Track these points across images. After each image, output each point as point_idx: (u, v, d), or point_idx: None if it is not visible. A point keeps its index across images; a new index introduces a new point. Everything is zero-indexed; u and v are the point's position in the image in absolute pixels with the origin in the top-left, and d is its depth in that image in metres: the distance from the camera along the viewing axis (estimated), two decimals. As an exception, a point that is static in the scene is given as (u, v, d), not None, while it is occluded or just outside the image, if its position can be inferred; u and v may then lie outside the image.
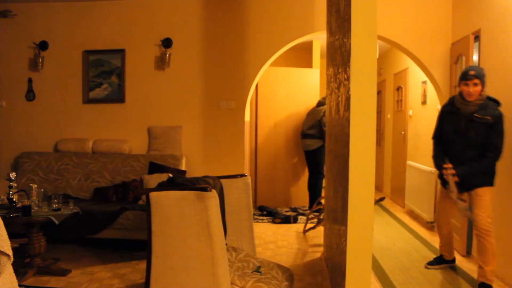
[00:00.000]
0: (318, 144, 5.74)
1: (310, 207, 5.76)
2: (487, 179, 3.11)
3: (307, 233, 4.81)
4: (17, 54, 5.14)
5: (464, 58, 4.01)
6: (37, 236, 3.31)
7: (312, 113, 5.94)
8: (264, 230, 4.96)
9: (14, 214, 3.14)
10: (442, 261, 3.61)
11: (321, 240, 4.40)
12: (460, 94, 3.19)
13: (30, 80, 5.12)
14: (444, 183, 3.35)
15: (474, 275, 3.32)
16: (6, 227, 1.35)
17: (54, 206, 3.33)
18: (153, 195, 2.45)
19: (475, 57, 3.90)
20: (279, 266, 2.90)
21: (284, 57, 6.13)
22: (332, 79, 3.22)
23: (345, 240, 2.23)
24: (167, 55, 4.85)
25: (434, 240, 4.48)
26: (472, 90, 3.08)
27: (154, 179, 4.17)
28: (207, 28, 4.91)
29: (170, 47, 4.88)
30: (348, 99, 2.27)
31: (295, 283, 3.09)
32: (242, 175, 3.39)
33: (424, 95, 5.48)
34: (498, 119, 3.03)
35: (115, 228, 3.88)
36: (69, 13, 5.05)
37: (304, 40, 5.07)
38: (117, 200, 4.37)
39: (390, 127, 7.34)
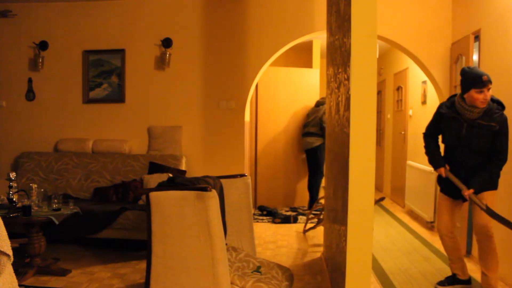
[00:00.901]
0: (319, 142, 5.76)
1: (310, 207, 5.76)
2: (492, 183, 2.95)
3: (307, 233, 4.81)
4: (17, 54, 5.14)
5: (464, 58, 4.01)
6: (37, 236, 3.31)
7: (312, 113, 5.96)
8: (264, 230, 4.96)
9: (14, 214, 3.14)
10: (455, 281, 3.15)
11: (321, 240, 4.40)
12: (462, 98, 2.93)
13: (30, 80, 5.13)
14: (443, 185, 3.16)
15: (474, 275, 3.32)
16: (6, 227, 1.35)
17: (54, 206, 3.33)
18: (153, 195, 2.45)
19: (475, 57, 3.90)
20: (279, 266, 2.90)
21: (284, 57, 6.14)
22: (332, 79, 3.22)
23: (345, 240, 2.23)
24: (167, 55, 4.85)
25: (434, 240, 4.48)
26: (488, 96, 2.82)
27: (154, 179, 4.17)
28: (207, 28, 4.91)
29: (170, 47, 4.88)
30: (348, 99, 2.27)
31: (295, 283, 3.09)
32: (242, 175, 3.39)
33: (424, 95, 5.48)
34: (504, 124, 2.85)
35: (115, 228, 3.87)
36: (69, 13, 5.05)
37: (304, 40, 5.07)
38: (117, 200, 4.37)
39: (390, 127, 7.34)
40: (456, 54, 4.22)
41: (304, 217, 5.29)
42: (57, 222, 3.17)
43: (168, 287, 2.43)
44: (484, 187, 2.92)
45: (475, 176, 2.94)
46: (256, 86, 5.98)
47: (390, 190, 7.20)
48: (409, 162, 5.87)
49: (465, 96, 2.90)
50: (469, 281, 3.17)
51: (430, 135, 3.28)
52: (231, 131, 4.90)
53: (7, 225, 1.43)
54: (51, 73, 5.11)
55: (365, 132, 2.16)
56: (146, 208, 2.47)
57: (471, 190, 2.90)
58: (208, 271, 2.38)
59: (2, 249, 1.28)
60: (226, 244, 2.75)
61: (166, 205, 2.43)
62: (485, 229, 2.90)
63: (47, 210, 3.32)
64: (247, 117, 5.18)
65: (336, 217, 2.83)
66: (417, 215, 5.42)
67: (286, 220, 5.31)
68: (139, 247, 3.98)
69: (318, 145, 5.77)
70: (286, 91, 6.27)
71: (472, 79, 2.84)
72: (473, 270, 3.44)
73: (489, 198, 2.92)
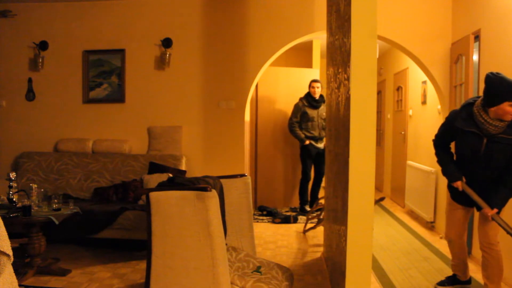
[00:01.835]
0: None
1: (311, 207, 5.77)
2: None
3: (307, 233, 4.80)
4: (17, 54, 5.14)
5: (464, 58, 4.01)
6: (37, 236, 3.31)
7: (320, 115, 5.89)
8: (264, 230, 4.96)
9: (14, 214, 3.14)
10: (456, 281, 3.14)
11: (321, 240, 4.40)
12: (485, 111, 2.61)
13: (30, 80, 5.12)
14: (454, 194, 2.98)
15: (475, 275, 3.32)
16: (6, 227, 1.35)
17: (54, 206, 3.32)
18: (153, 195, 2.45)
19: (475, 57, 3.90)
20: (279, 266, 2.90)
21: (284, 57, 6.13)
22: (332, 79, 3.22)
23: (345, 240, 2.24)
24: (167, 55, 4.85)
25: (434, 240, 4.48)
26: None
27: (154, 179, 4.17)
28: (207, 28, 4.91)
29: (170, 47, 4.88)
30: (348, 99, 2.27)
31: (295, 283, 3.09)
32: (242, 175, 3.39)
33: (424, 95, 5.48)
34: None
35: (115, 228, 3.87)
36: (69, 13, 5.05)
37: (304, 40, 5.07)
38: (117, 200, 4.37)
39: (390, 127, 7.34)
40: (456, 54, 4.22)
41: (304, 217, 5.29)
42: (57, 222, 3.17)
43: (168, 287, 2.43)
44: (505, 204, 2.72)
45: (495, 193, 2.71)
46: (256, 86, 5.97)
47: (390, 190, 7.20)
48: (409, 162, 5.87)
49: (493, 109, 2.56)
50: (469, 281, 3.15)
51: (441, 146, 2.98)
52: (231, 131, 4.90)
53: (7, 225, 1.43)
54: (51, 73, 5.11)
55: (365, 132, 2.16)
56: (146, 208, 2.47)
57: (495, 210, 2.67)
58: (208, 271, 2.38)
59: (2, 249, 1.28)
60: (226, 244, 2.75)
61: (166, 205, 2.43)
62: (492, 246, 2.77)
63: (47, 210, 3.31)
64: (247, 117, 5.18)
65: (336, 217, 2.83)
66: (417, 215, 5.42)
67: (286, 220, 5.31)
68: (139, 247, 3.98)
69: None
70: (286, 91, 6.27)
71: (509, 90, 2.47)
72: (474, 270, 3.44)
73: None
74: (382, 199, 4.56)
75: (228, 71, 4.88)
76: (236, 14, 4.86)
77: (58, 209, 3.32)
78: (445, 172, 2.95)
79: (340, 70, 2.67)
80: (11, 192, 3.35)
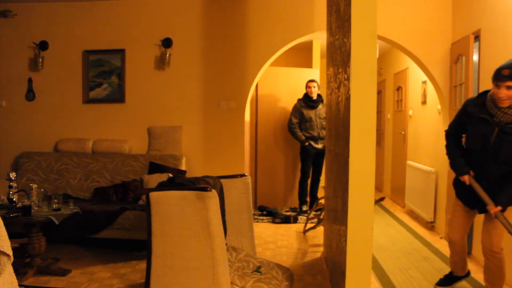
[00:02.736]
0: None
1: (311, 207, 5.77)
2: None
3: (307, 233, 4.80)
4: (17, 54, 5.14)
5: (464, 58, 4.01)
6: (37, 236, 3.31)
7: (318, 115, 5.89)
8: (264, 230, 4.96)
9: (14, 214, 3.14)
10: (454, 279, 3.09)
11: (321, 240, 4.40)
12: (491, 97, 2.60)
13: (30, 80, 5.13)
14: (460, 190, 2.86)
15: (475, 275, 3.32)
16: (6, 227, 1.35)
17: (54, 206, 3.33)
18: (153, 195, 2.45)
19: (475, 57, 3.90)
20: (279, 266, 2.90)
21: (284, 57, 6.13)
22: (332, 79, 3.22)
23: (345, 240, 2.24)
24: (167, 55, 4.85)
25: (434, 240, 4.48)
26: (504, 94, 2.46)
27: (154, 179, 4.17)
28: (207, 28, 4.91)
29: (170, 47, 4.88)
30: (348, 99, 2.27)
31: (295, 283, 3.09)
32: (242, 175, 3.39)
33: (424, 95, 5.48)
34: None
35: (115, 228, 3.87)
36: (69, 13, 5.05)
37: (304, 40, 5.07)
38: (117, 200, 4.37)
39: (390, 127, 7.34)
40: (456, 54, 4.22)
41: (304, 217, 5.29)
42: (57, 222, 3.17)
43: (168, 287, 2.43)
44: (511, 202, 2.62)
45: (501, 190, 2.60)
46: (256, 86, 5.98)
47: (390, 190, 7.20)
48: (409, 162, 5.87)
49: (492, 92, 2.55)
50: (467, 274, 3.11)
51: (452, 134, 2.89)
52: (231, 131, 4.90)
53: (7, 225, 1.43)
54: (51, 73, 5.11)
55: (365, 132, 2.16)
56: (146, 208, 2.47)
57: (499, 208, 2.57)
58: (208, 271, 2.39)
59: (2, 249, 1.28)
60: (226, 244, 2.75)
61: (166, 205, 2.43)
62: (495, 253, 2.67)
63: (47, 210, 3.31)
64: (247, 117, 5.18)
65: (336, 217, 2.83)
66: (417, 215, 5.42)
67: (286, 220, 5.31)
68: (139, 247, 3.98)
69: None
70: (286, 91, 6.27)
71: (496, 72, 2.51)
72: (474, 270, 3.44)
73: (507, 213, 2.61)
74: (382, 199, 4.56)
75: (228, 71, 4.88)
76: (236, 14, 4.86)
77: (58, 209, 3.32)
78: (453, 165, 2.85)
79: (340, 70, 2.67)
80: (11, 192, 3.35)
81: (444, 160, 4.37)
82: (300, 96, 5.85)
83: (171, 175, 4.14)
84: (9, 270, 1.35)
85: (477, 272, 3.38)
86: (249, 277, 2.56)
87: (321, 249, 4.13)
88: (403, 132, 6.39)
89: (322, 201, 4.62)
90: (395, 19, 4.52)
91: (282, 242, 4.45)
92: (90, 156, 4.81)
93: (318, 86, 5.77)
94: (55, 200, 3.35)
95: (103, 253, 3.94)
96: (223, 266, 2.40)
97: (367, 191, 2.17)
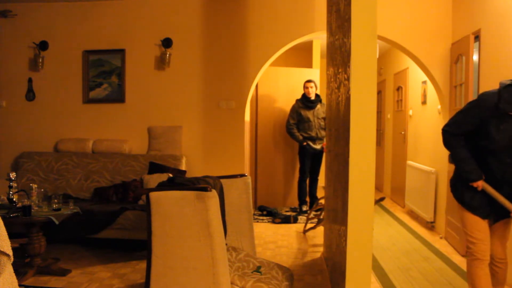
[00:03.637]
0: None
1: (311, 207, 5.77)
2: None
3: (307, 233, 4.80)
4: (17, 54, 5.14)
5: (464, 58, 4.01)
6: (37, 236, 3.31)
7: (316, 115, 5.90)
8: (264, 230, 4.96)
9: (14, 214, 3.14)
10: None
11: (321, 240, 4.40)
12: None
13: (30, 80, 5.13)
14: (473, 204, 2.45)
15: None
16: (6, 227, 1.35)
17: (54, 206, 3.33)
18: (153, 195, 2.45)
19: (475, 57, 3.90)
20: (279, 266, 2.90)
21: (284, 57, 6.12)
22: (332, 79, 3.22)
23: (345, 240, 2.24)
24: (167, 55, 4.85)
25: (434, 240, 4.48)
26: None
27: (154, 179, 4.17)
28: (207, 28, 4.91)
29: (170, 47, 4.88)
30: (348, 99, 2.27)
31: (295, 283, 3.09)
32: (242, 175, 3.39)
33: (424, 95, 5.48)
34: None
35: (115, 228, 3.87)
36: (69, 13, 5.05)
37: (304, 40, 5.07)
38: (117, 200, 4.37)
39: (390, 127, 7.34)
40: (456, 54, 4.22)
41: (304, 217, 5.29)
42: (57, 222, 3.17)
43: (168, 287, 2.43)
44: None
45: None
46: (256, 86, 5.98)
47: (390, 190, 7.20)
48: (409, 162, 5.87)
49: None
50: None
51: (459, 135, 2.45)
52: (231, 131, 4.90)
53: (7, 225, 1.43)
54: (51, 73, 5.11)
55: (365, 132, 2.16)
56: (146, 208, 2.47)
57: None
58: (208, 271, 2.38)
59: (2, 249, 1.28)
60: (226, 244, 2.75)
61: (166, 205, 2.43)
62: (502, 260, 2.49)
63: (47, 210, 3.31)
64: (247, 117, 5.18)
65: (336, 217, 2.83)
66: (417, 215, 5.42)
67: (286, 220, 5.31)
68: (139, 247, 3.98)
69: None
70: (286, 91, 6.27)
71: None
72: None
73: None
74: (382, 199, 4.56)
75: (228, 71, 4.88)
76: (236, 14, 4.86)
77: (58, 209, 3.32)
78: (467, 170, 2.40)
79: (340, 70, 2.67)
80: (11, 192, 3.35)
81: (444, 160, 4.38)
82: (300, 96, 5.85)
83: (171, 175, 4.14)
84: (9, 270, 1.35)
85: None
86: (249, 277, 2.56)
87: (321, 249, 4.13)
88: (403, 132, 6.39)
89: (322, 201, 4.62)
90: (395, 19, 4.52)
91: (282, 242, 4.45)
92: (90, 156, 4.80)
93: (316, 86, 5.77)
94: (55, 200, 3.35)
95: (103, 253, 3.94)
96: (223, 266, 2.40)
97: (367, 191, 2.17)
